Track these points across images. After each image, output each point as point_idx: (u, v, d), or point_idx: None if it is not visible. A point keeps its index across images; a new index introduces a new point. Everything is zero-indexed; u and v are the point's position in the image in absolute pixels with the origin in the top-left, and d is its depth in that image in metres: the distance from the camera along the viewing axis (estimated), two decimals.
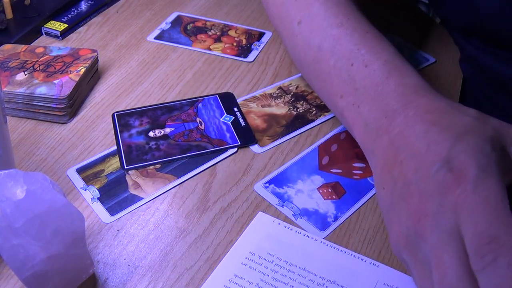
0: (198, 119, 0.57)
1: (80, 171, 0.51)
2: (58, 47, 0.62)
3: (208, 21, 0.72)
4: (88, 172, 0.51)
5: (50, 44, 0.66)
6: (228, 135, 0.55)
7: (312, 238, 0.45)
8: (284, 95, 0.60)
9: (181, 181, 0.50)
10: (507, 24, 0.55)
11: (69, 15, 0.70)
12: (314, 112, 0.58)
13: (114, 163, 0.52)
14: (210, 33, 0.69)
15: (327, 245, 0.45)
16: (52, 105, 0.55)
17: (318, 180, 0.51)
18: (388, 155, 0.40)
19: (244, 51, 0.66)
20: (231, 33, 0.69)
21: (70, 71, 0.58)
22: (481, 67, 0.61)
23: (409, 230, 0.36)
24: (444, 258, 0.33)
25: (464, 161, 0.35)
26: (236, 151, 0.53)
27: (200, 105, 0.59)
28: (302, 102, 0.59)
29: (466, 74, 0.64)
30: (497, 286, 0.31)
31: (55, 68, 0.58)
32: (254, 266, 0.43)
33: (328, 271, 0.43)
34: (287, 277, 0.42)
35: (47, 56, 0.60)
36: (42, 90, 0.55)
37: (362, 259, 0.44)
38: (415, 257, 0.36)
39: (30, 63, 0.59)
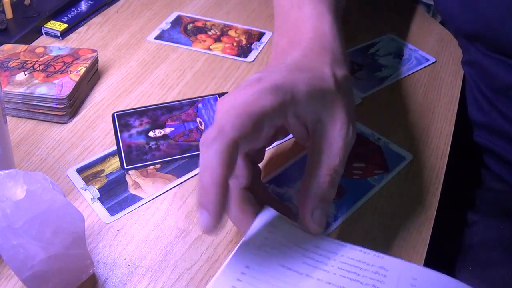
0: (198, 119, 0.57)
1: (80, 171, 0.51)
2: (58, 47, 0.62)
3: (208, 21, 0.72)
4: (88, 172, 0.51)
5: (50, 44, 0.66)
6: None
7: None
8: None
9: (181, 181, 0.50)
10: (511, 31, 0.55)
11: (69, 15, 0.70)
12: None
13: (114, 163, 0.52)
14: (210, 33, 0.69)
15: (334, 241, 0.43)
16: (52, 105, 0.55)
17: None
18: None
19: (244, 51, 0.66)
20: (231, 33, 0.69)
21: (70, 71, 0.58)
22: (483, 70, 0.62)
23: None
24: None
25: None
26: None
27: (200, 105, 0.59)
28: None
29: (468, 75, 0.64)
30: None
31: (55, 68, 0.58)
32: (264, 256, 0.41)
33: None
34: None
35: (47, 56, 0.60)
36: (42, 90, 0.55)
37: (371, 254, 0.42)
38: None
39: (30, 63, 0.59)
